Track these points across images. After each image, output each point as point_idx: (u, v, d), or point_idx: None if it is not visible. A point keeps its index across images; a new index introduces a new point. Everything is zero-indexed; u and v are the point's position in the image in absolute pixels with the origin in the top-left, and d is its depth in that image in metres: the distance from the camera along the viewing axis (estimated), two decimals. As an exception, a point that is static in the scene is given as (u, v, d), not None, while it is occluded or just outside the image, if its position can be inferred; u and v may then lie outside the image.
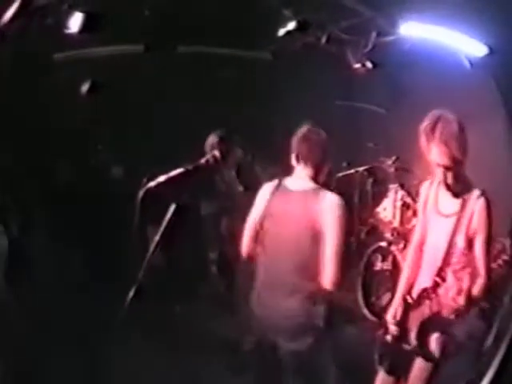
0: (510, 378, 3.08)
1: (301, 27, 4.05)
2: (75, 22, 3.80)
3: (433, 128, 2.58)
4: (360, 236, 4.78)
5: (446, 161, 2.56)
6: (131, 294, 2.66)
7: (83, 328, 3.68)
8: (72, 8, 3.83)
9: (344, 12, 4.35)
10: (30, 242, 4.16)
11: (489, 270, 2.67)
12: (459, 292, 2.54)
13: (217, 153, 3.23)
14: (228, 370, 3.58)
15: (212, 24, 4.04)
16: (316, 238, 2.84)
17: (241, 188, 4.20)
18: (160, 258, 3.52)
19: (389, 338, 2.75)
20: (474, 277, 2.59)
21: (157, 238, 2.75)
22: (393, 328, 2.74)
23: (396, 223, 4.47)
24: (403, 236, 4.39)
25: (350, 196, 4.77)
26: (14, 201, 4.21)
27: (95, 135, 4.17)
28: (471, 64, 4.39)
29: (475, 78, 4.32)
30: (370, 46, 4.43)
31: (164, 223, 2.71)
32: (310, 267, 2.84)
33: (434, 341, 2.63)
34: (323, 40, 4.25)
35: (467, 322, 4.50)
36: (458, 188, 2.65)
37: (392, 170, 4.62)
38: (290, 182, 2.99)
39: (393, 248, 4.38)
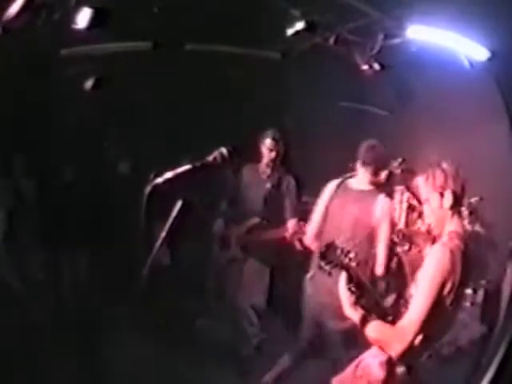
0: (510, 378, 3.09)
1: (309, 28, 4.08)
2: (83, 17, 3.80)
3: None
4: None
5: None
6: (135, 291, 2.66)
7: (86, 326, 3.67)
8: (80, 4, 3.83)
9: (351, 13, 4.34)
10: (33, 240, 4.14)
11: None
12: None
13: (224, 151, 3.21)
14: (231, 372, 3.59)
15: (221, 22, 4.04)
16: (371, 233, 3.53)
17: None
18: (166, 255, 3.52)
19: None
20: None
21: (163, 234, 2.74)
22: None
23: (401, 225, 4.45)
24: (408, 238, 4.38)
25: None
26: (18, 198, 4.19)
27: (102, 132, 4.15)
28: (475, 67, 4.39)
29: (479, 81, 4.33)
30: (377, 48, 4.43)
31: (170, 220, 2.71)
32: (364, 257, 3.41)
33: None
34: (331, 41, 4.27)
35: (469, 326, 4.52)
36: None
37: (398, 171, 4.61)
38: (352, 182, 3.69)
39: (398, 250, 4.36)
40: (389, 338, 2.38)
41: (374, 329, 2.41)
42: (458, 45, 4.28)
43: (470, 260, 2.51)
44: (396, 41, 4.51)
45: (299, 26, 4.02)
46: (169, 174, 3.07)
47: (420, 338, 2.37)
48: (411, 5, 4.19)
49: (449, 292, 2.39)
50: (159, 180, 3.02)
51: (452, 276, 2.39)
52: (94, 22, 3.81)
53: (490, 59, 4.10)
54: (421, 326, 2.33)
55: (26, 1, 3.63)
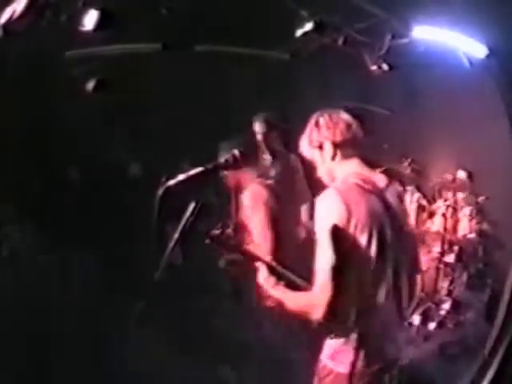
0: (510, 378, 3.10)
1: (317, 28, 4.09)
2: (90, 19, 3.80)
3: None
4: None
5: None
6: (148, 291, 2.66)
7: (99, 327, 3.67)
8: (87, 5, 3.83)
9: (359, 14, 4.36)
10: (40, 244, 4.13)
11: None
12: None
13: (237, 152, 3.21)
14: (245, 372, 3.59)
15: (230, 23, 4.04)
16: None
17: None
18: (178, 256, 3.52)
19: None
20: None
21: (176, 235, 2.75)
22: None
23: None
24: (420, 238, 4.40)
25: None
26: (23, 201, 4.18)
27: (112, 134, 4.14)
28: (478, 66, 4.41)
29: (485, 80, 4.34)
30: (385, 49, 4.45)
31: (183, 221, 2.71)
32: None
33: None
34: (340, 41, 4.29)
35: (475, 325, 4.54)
36: None
37: (408, 171, 4.63)
38: None
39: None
40: (309, 304, 2.14)
41: (294, 301, 2.22)
42: (464, 44, 4.29)
43: (382, 193, 2.29)
44: (403, 41, 4.53)
45: (308, 26, 4.04)
46: (181, 176, 3.08)
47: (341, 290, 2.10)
48: (416, 5, 4.21)
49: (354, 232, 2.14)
50: (172, 182, 3.04)
51: (352, 216, 2.14)
52: (101, 23, 3.81)
53: (489, 57, 4.12)
54: (334, 276, 2.06)
55: (30, 1, 3.63)
